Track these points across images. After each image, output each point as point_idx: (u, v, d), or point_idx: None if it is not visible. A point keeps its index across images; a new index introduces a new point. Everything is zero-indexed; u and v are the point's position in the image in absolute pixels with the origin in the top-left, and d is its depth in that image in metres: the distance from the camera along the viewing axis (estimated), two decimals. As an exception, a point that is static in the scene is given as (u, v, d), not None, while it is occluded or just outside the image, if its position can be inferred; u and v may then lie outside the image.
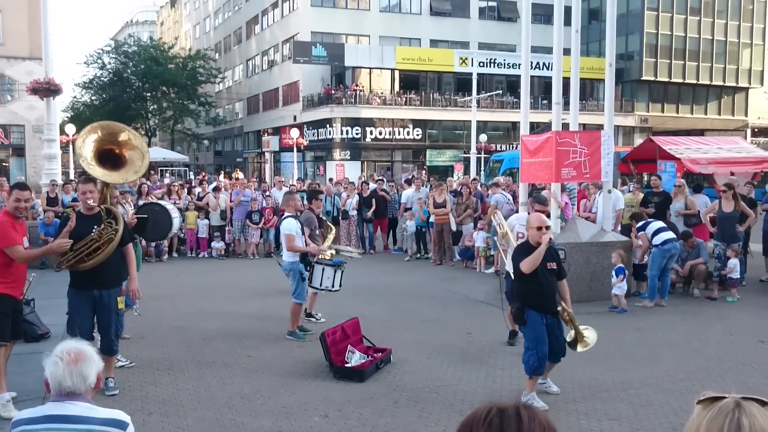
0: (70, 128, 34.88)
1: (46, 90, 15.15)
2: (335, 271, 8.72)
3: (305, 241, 8.56)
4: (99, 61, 48.05)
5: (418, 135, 42.33)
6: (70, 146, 31.37)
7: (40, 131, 23.17)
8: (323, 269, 8.65)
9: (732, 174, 14.30)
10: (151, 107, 50.13)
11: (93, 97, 50.37)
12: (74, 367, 2.78)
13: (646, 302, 10.11)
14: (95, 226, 5.98)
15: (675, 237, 10.32)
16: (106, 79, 48.23)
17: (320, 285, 8.68)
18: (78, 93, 51.34)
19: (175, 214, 9.59)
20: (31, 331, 7.85)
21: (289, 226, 8.35)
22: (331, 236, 9.30)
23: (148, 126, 50.98)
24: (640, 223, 10.75)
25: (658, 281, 10.20)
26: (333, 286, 8.76)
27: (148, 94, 49.11)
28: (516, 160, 29.09)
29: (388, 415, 5.82)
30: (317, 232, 9.37)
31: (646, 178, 18.31)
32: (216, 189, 16.68)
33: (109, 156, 6.39)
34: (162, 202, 10.77)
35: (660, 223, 10.49)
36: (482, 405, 1.52)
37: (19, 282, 5.99)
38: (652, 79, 46.91)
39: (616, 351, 7.78)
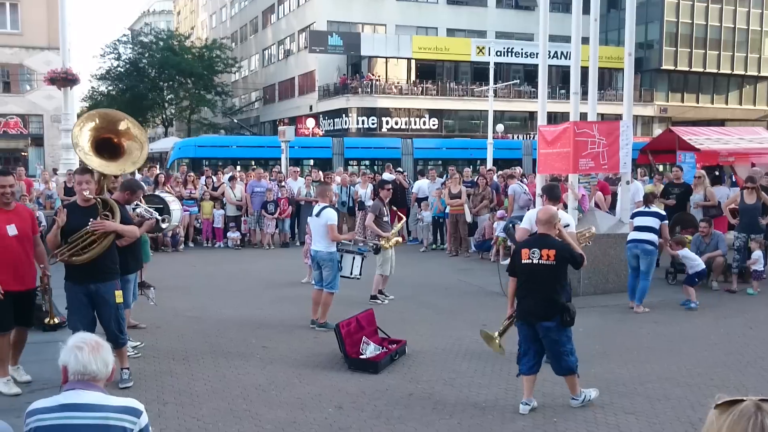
0: (88, 118, 35.01)
1: (64, 80, 15.21)
2: (362, 260, 9.14)
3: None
4: (115, 51, 48.25)
5: (434, 125, 42.16)
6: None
7: (58, 121, 23.32)
8: (353, 258, 9.06)
9: (753, 165, 14.11)
10: (168, 97, 50.30)
11: (110, 88, 50.62)
12: (98, 354, 2.88)
13: (630, 303, 9.58)
14: (91, 219, 5.79)
15: (645, 239, 9.39)
16: (122, 69, 48.44)
17: (350, 274, 8.97)
18: (95, 83, 51.67)
19: (175, 206, 9.49)
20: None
21: (332, 216, 8.38)
22: (399, 224, 10.38)
23: (164, 116, 51.20)
24: (633, 210, 10.18)
25: (636, 282, 9.54)
26: (360, 275, 9.16)
27: (165, 84, 49.27)
28: (188, 149, 28.36)
29: (403, 407, 5.80)
30: (384, 219, 10.08)
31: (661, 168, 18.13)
32: (231, 179, 16.71)
33: (107, 145, 6.20)
34: (162, 194, 10.71)
35: (643, 220, 9.58)
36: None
37: (12, 269, 5.91)
38: (672, 68, 46.31)
39: (634, 344, 7.71)
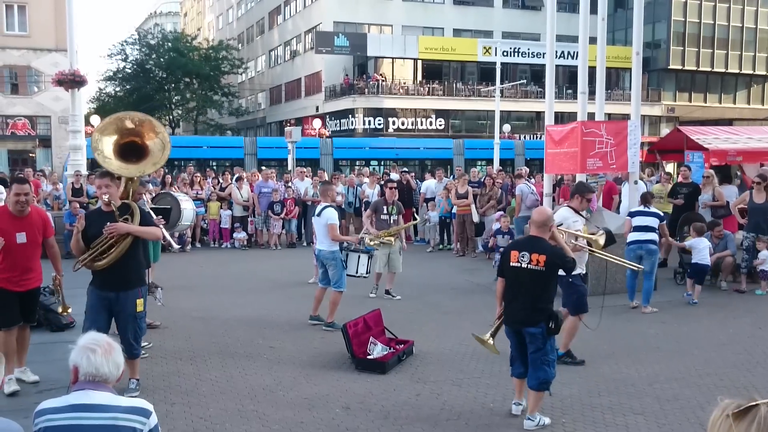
0: (95, 119, 35.19)
1: (71, 81, 15.26)
2: (369, 259, 9.13)
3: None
4: (122, 53, 48.41)
5: (440, 125, 42.14)
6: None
7: (65, 122, 23.42)
8: (359, 257, 9.07)
9: (762, 165, 14.02)
10: (175, 98, 50.45)
11: (117, 89, 50.82)
12: (110, 356, 2.88)
13: (631, 303, 9.50)
14: (108, 223, 5.69)
15: (648, 240, 9.33)
16: (129, 71, 48.60)
17: (356, 272, 8.97)
18: (103, 84, 51.88)
19: (187, 206, 9.40)
20: (55, 321, 7.93)
21: (332, 215, 8.41)
22: (402, 225, 10.30)
23: (171, 117, 51.34)
24: (632, 210, 10.07)
25: (635, 282, 9.55)
26: (366, 273, 9.14)
27: (172, 85, 49.41)
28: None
29: (410, 407, 5.79)
30: (382, 216, 10.26)
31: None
32: (238, 179, 16.73)
33: (132, 148, 6.12)
34: (174, 193, 10.64)
35: (644, 220, 9.48)
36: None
37: (18, 273, 5.99)
38: (680, 67, 46.12)
39: (642, 344, 7.67)
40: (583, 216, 7.27)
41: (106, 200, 5.76)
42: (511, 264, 5.40)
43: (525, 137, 39.78)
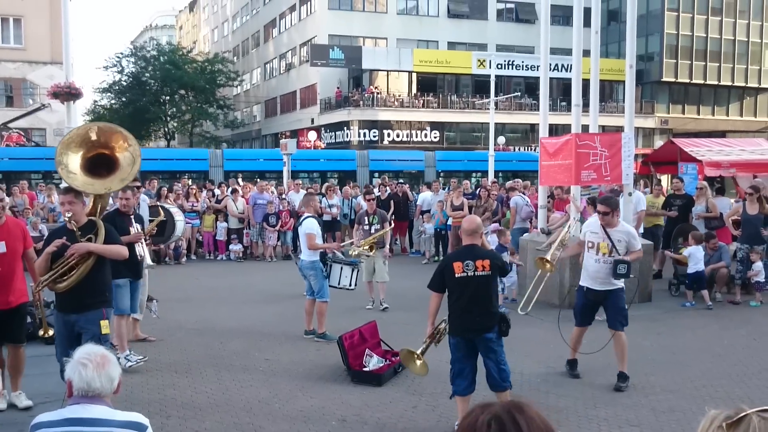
0: (91, 132, 35.11)
1: (67, 94, 15.22)
2: (352, 270, 9.05)
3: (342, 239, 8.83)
4: (117, 65, 48.44)
5: (435, 137, 42.25)
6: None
7: (60, 135, 23.38)
8: (341, 268, 8.99)
9: (755, 176, 14.11)
10: (170, 110, 50.46)
11: (112, 101, 50.82)
12: (102, 370, 2.86)
13: None
14: (70, 245, 5.32)
15: None
16: (125, 83, 48.64)
17: (338, 284, 8.93)
18: (98, 97, 51.84)
19: (179, 218, 9.50)
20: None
21: (310, 225, 8.47)
22: (377, 233, 10.09)
23: (167, 129, 51.35)
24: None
25: None
26: (350, 285, 9.05)
27: (167, 98, 49.45)
28: None
29: (407, 419, 5.78)
30: (364, 227, 10.39)
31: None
32: (234, 192, 16.74)
33: (101, 160, 5.72)
34: (166, 206, 10.73)
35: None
36: (473, 410, 1.49)
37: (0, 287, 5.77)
38: (673, 80, 46.42)
39: (637, 356, 7.66)
40: (605, 231, 7.06)
41: (68, 216, 5.40)
42: (457, 276, 5.40)
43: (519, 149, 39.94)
